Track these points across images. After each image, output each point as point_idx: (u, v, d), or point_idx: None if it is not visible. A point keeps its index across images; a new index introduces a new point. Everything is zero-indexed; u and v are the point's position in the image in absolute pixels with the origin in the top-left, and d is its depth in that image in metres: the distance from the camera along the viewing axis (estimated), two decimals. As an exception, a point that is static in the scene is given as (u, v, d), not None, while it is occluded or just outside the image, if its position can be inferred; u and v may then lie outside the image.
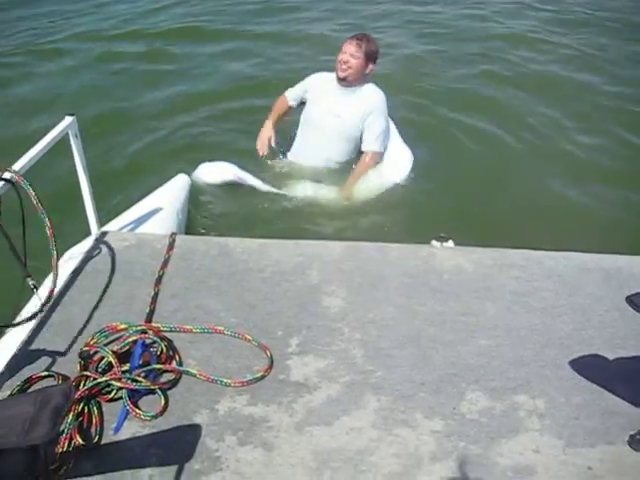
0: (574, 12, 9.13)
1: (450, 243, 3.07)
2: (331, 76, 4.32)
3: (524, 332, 2.57)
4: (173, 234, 3.12)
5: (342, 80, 4.23)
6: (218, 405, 2.22)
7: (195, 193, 4.19)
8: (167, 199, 3.77)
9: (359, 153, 4.37)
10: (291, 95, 4.58)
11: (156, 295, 2.71)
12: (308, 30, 7.97)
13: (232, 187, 4.27)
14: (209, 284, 2.80)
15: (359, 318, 2.62)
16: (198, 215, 4.10)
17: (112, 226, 3.33)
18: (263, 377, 2.33)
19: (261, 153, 4.47)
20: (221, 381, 2.30)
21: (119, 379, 2.19)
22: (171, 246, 3.02)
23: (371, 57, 4.17)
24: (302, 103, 4.56)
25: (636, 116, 5.82)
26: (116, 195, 4.24)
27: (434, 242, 3.06)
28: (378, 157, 4.33)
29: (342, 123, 4.27)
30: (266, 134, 4.50)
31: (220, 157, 4.43)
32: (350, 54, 4.13)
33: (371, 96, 4.28)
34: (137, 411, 2.15)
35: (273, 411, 2.21)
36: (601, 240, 3.89)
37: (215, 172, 4.26)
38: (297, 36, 7.74)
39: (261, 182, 4.21)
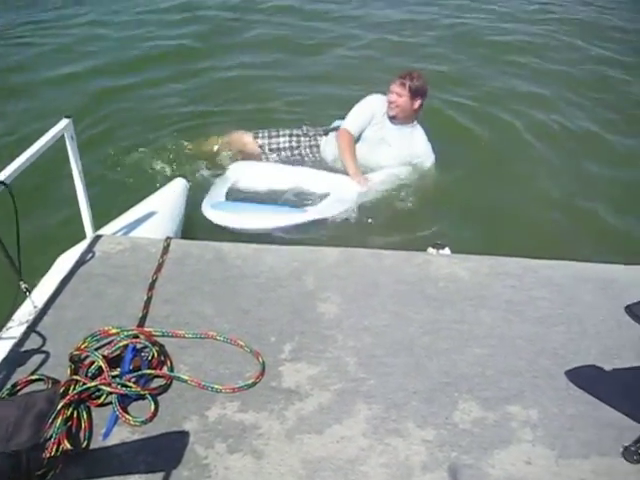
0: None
1: (447, 250, 3.06)
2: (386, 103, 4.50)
3: (519, 341, 2.55)
4: (168, 238, 3.10)
5: (392, 118, 4.47)
6: (208, 412, 2.20)
7: (193, 197, 4.17)
8: (163, 203, 3.77)
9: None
10: (355, 129, 4.57)
11: (149, 300, 2.69)
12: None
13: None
14: (203, 289, 2.78)
15: (353, 325, 2.60)
16: (195, 219, 4.09)
17: (107, 230, 3.32)
18: (254, 384, 2.31)
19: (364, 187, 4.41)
20: (212, 387, 2.28)
21: (109, 384, 2.17)
22: (165, 250, 3.00)
23: (417, 93, 4.38)
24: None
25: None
26: (113, 198, 4.21)
27: (430, 249, 3.05)
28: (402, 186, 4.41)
29: (389, 150, 4.48)
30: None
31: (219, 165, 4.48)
32: (397, 94, 4.38)
33: (421, 143, 4.53)
34: (127, 416, 2.13)
35: (264, 418, 2.19)
36: (598, 249, 3.89)
37: (218, 217, 4.09)
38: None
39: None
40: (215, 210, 4.02)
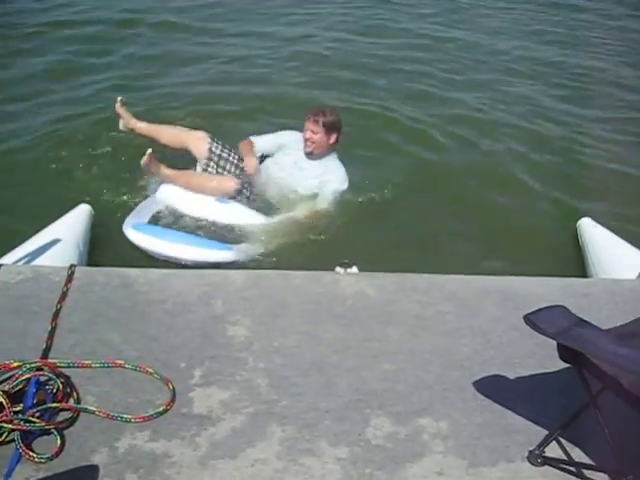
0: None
1: (354, 269, 3.09)
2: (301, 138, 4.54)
3: (427, 355, 2.61)
4: (72, 266, 3.02)
5: (308, 154, 4.53)
6: (118, 443, 2.14)
7: (98, 223, 4.09)
8: (67, 230, 3.69)
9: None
10: (260, 144, 4.71)
11: (53, 330, 2.60)
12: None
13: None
14: (109, 317, 2.72)
15: (263, 347, 2.60)
16: (101, 246, 4.00)
17: (7, 259, 3.21)
18: (165, 411, 2.27)
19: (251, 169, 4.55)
20: (121, 417, 2.22)
21: (10, 421, 2.08)
22: (70, 278, 2.92)
23: (332, 128, 4.43)
24: (262, 156, 4.74)
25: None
26: (12, 227, 4.08)
27: (338, 268, 3.08)
28: (317, 217, 4.40)
29: (304, 178, 4.51)
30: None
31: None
32: (311, 131, 4.42)
33: (334, 172, 4.56)
34: (30, 454, 2.04)
35: (176, 446, 2.15)
36: (500, 262, 4.04)
37: (140, 239, 4.06)
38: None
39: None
40: (137, 231, 3.98)
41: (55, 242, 3.41)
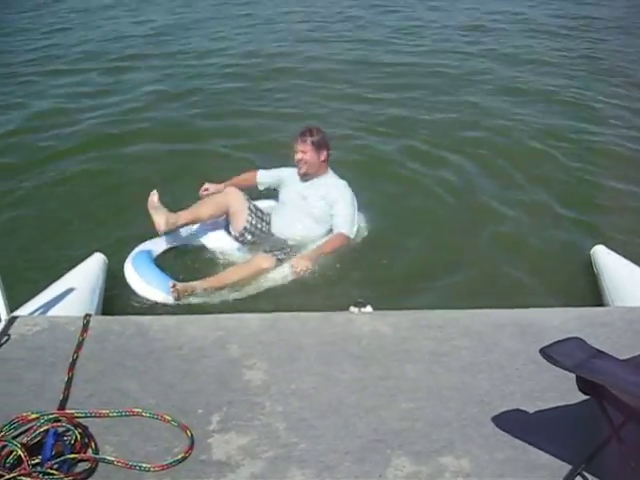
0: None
1: (368, 308, 3.09)
2: (295, 171, 4.68)
3: (445, 392, 2.58)
4: (87, 315, 3.03)
5: (302, 176, 4.61)
6: (138, 492, 2.14)
7: (112, 272, 4.12)
8: (81, 280, 3.71)
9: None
10: (263, 178, 4.84)
11: (70, 380, 2.61)
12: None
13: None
14: (125, 365, 2.72)
15: (281, 390, 2.59)
16: (116, 295, 4.02)
17: (23, 310, 3.22)
18: (184, 459, 2.25)
19: (201, 190, 4.67)
20: (140, 466, 2.21)
21: (29, 474, 2.07)
22: (85, 328, 2.93)
23: (320, 145, 4.53)
24: (267, 189, 4.85)
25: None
26: (27, 278, 4.11)
27: (352, 308, 3.08)
28: (346, 240, 4.47)
29: (309, 205, 4.53)
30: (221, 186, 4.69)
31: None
32: (301, 151, 4.53)
33: (334, 185, 4.61)
34: (50, 507, 2.04)
35: (195, 494, 2.13)
36: (514, 294, 4.01)
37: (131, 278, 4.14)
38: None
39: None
40: (133, 269, 4.12)
41: (70, 292, 3.43)
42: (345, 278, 4.22)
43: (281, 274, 4.24)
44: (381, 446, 2.32)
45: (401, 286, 4.15)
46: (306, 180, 4.62)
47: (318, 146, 4.52)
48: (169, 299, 3.94)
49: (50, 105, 7.62)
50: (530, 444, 2.33)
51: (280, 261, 4.29)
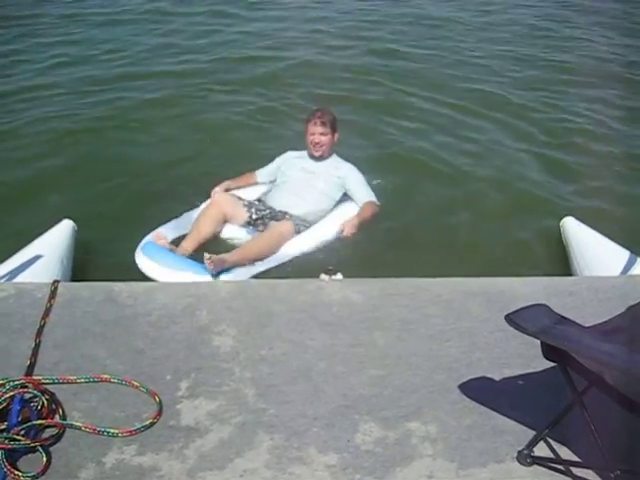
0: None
1: (339, 276, 3.09)
2: (301, 153, 4.69)
3: (414, 359, 2.61)
4: (55, 282, 2.99)
5: (311, 156, 4.63)
6: (105, 458, 2.13)
7: (81, 238, 4.07)
8: (50, 246, 3.67)
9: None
10: (262, 174, 4.84)
11: (37, 346, 2.59)
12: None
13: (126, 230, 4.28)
14: (94, 332, 2.70)
15: (250, 356, 2.59)
16: (85, 261, 3.99)
17: (-11, 277, 3.18)
18: (152, 424, 2.25)
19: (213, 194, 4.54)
20: (108, 432, 2.21)
21: (-6, 439, 2.06)
22: (53, 294, 2.90)
23: (334, 126, 4.57)
24: (270, 181, 4.80)
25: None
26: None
27: (323, 275, 3.08)
28: (377, 208, 4.53)
29: (316, 178, 4.55)
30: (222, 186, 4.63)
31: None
32: (320, 133, 4.52)
33: (343, 163, 4.68)
34: (16, 472, 2.02)
35: (164, 459, 2.13)
36: (484, 264, 4.04)
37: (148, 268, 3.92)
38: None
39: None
40: (146, 257, 3.92)
41: (38, 258, 3.41)
42: (317, 248, 4.23)
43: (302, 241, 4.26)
44: (350, 412, 2.34)
45: (371, 255, 4.16)
46: (316, 160, 4.62)
47: (333, 127, 4.56)
48: (198, 278, 3.67)
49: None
50: (496, 410, 2.36)
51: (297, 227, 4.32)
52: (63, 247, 3.78)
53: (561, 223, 4.38)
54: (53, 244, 3.71)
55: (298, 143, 4.80)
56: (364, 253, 4.18)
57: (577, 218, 4.36)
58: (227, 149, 5.65)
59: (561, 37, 9.38)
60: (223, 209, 4.36)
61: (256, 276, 3.83)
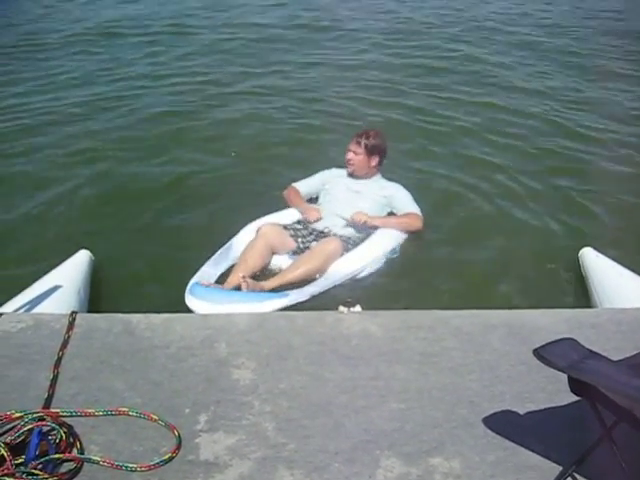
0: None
1: (357, 308, 3.07)
2: (343, 171, 4.77)
3: (435, 393, 2.57)
4: (73, 313, 2.99)
5: (351, 175, 4.68)
6: (124, 493, 2.11)
7: (98, 269, 4.07)
8: (67, 277, 3.67)
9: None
10: (303, 188, 4.81)
11: (55, 378, 2.57)
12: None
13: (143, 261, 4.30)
14: (112, 363, 2.69)
15: (269, 390, 2.56)
16: (102, 292, 3.98)
17: (7, 307, 3.19)
18: (171, 459, 2.22)
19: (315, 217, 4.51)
20: (126, 467, 2.18)
21: (12, 474, 2.03)
22: (71, 325, 2.89)
23: (373, 151, 4.56)
24: (309, 199, 4.81)
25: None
26: (12, 274, 4.06)
27: (341, 308, 3.05)
28: (419, 220, 4.54)
29: (360, 198, 4.55)
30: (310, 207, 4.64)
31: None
32: (353, 152, 4.58)
33: (388, 182, 4.72)
34: (34, 507, 2.00)
35: (182, 495, 2.10)
36: (502, 296, 4.00)
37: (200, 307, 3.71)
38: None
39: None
40: (197, 299, 3.72)
41: (56, 289, 3.39)
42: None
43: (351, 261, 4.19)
44: (371, 447, 2.30)
45: (390, 287, 4.12)
46: (356, 178, 4.65)
47: (371, 151, 4.56)
48: (256, 306, 3.59)
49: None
50: (520, 445, 2.32)
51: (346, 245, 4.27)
52: (80, 278, 3.78)
53: (579, 254, 4.34)
54: (70, 275, 3.71)
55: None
56: (381, 285, 4.15)
57: (595, 249, 4.32)
58: (254, 183, 5.52)
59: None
60: (270, 241, 4.25)
61: (309, 299, 3.79)
